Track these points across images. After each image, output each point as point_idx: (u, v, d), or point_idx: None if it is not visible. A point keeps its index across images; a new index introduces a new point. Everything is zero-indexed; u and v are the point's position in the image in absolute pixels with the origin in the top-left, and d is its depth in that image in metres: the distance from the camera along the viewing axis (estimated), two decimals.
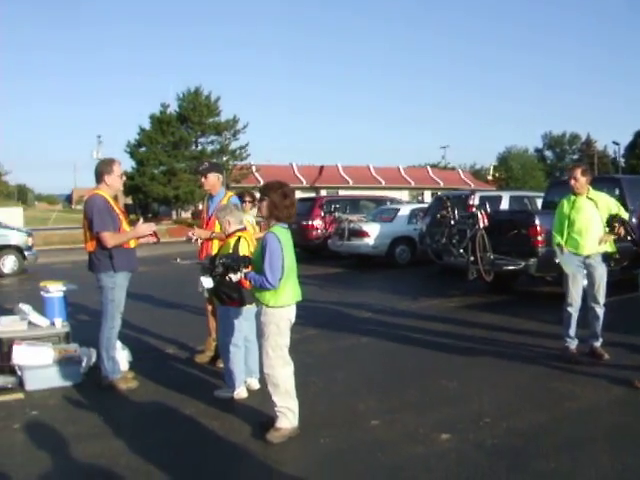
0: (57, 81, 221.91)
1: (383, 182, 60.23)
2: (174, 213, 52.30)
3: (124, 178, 6.64)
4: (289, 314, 5.00)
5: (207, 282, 5.51)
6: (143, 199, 52.30)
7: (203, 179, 7.27)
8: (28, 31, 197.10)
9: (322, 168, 60.94)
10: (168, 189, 47.21)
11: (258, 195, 5.66)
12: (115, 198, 6.59)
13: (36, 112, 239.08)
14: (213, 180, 7.23)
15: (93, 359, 7.07)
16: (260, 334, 5.11)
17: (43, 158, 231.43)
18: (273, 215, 4.94)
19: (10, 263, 18.03)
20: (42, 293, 7.47)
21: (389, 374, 6.95)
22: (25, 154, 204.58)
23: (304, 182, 55.83)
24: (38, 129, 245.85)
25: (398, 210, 18.78)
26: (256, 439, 5.02)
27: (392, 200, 23.57)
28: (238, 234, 6.00)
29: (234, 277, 4.99)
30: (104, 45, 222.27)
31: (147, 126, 49.92)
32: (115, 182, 6.46)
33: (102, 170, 6.42)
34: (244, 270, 4.95)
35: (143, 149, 49.78)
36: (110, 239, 6.15)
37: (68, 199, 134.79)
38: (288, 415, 5.01)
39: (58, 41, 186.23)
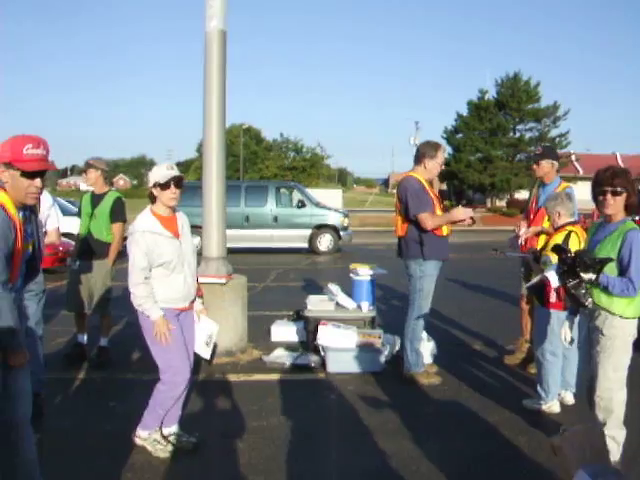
0: (373, 71, 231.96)
1: None
2: (489, 201, 51.41)
3: (443, 166, 6.23)
4: (635, 328, 4.11)
5: (554, 280, 4.57)
6: (458, 186, 52.28)
7: (535, 166, 6.53)
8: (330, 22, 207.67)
9: None
10: (484, 176, 46.63)
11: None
12: (430, 183, 6.20)
13: (354, 101, 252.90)
14: (546, 167, 6.44)
15: (396, 348, 6.84)
16: (598, 349, 4.23)
17: (363, 143, 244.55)
18: (631, 208, 4.05)
19: (326, 241, 18.91)
20: (351, 275, 7.40)
21: None
22: (346, 139, 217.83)
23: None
24: (359, 116, 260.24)
25: None
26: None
27: None
28: (568, 228, 5.25)
29: (586, 277, 4.07)
30: (421, 35, 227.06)
31: (464, 112, 49.67)
32: (434, 168, 6.08)
33: (424, 152, 6.08)
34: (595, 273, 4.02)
35: (460, 135, 49.72)
36: (429, 220, 5.78)
37: (385, 183, 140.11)
38: (611, 446, 4.19)
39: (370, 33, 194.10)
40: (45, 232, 5.33)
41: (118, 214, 6.50)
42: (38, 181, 3.11)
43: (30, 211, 3.35)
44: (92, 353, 6.66)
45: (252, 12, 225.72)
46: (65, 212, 15.19)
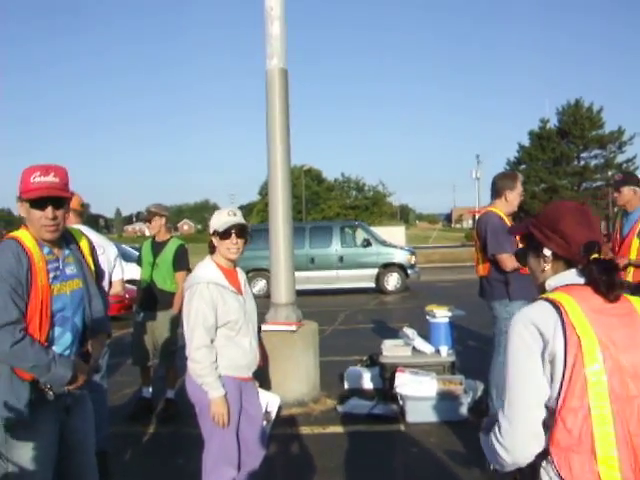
0: (432, 107, 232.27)
1: None
2: None
3: (522, 197, 5.84)
4: None
5: None
6: (524, 217, 51.20)
7: (616, 194, 6.09)
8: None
9: None
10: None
11: None
12: (512, 218, 5.80)
13: (414, 137, 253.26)
14: (628, 194, 6.00)
15: (478, 394, 6.39)
16: None
17: (424, 179, 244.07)
18: None
19: (394, 281, 18.53)
20: (428, 317, 7.00)
21: None
22: (407, 176, 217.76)
23: None
24: (420, 151, 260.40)
25: None
26: None
27: None
28: None
29: None
30: (478, 68, 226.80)
31: (526, 143, 48.94)
32: (515, 199, 5.69)
33: (503, 185, 5.68)
34: None
35: (523, 166, 48.96)
36: (509, 262, 5.37)
37: (447, 218, 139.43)
38: None
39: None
40: (110, 283, 5.16)
41: (182, 262, 6.27)
42: (49, 211, 2.80)
43: (73, 249, 3.08)
44: (159, 406, 6.43)
45: (311, 51, 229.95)
46: (131, 259, 15.27)
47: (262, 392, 4.05)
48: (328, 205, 64.88)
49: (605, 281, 1.92)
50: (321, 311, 13.38)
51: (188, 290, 3.59)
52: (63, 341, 2.91)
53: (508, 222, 5.62)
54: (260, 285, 18.20)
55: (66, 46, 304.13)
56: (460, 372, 6.64)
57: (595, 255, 1.99)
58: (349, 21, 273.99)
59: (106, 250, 5.08)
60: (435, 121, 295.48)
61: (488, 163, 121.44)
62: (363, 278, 18.63)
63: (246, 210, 72.41)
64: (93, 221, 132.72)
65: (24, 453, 2.78)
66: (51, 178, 2.82)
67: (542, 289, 2.10)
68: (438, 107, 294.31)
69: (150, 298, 6.20)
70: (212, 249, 3.72)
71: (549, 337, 1.87)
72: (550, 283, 2.06)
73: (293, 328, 6.52)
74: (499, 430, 1.94)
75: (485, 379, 5.94)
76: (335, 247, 18.98)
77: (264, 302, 7.26)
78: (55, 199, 2.83)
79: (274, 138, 6.82)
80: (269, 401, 4.09)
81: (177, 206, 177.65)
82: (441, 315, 6.84)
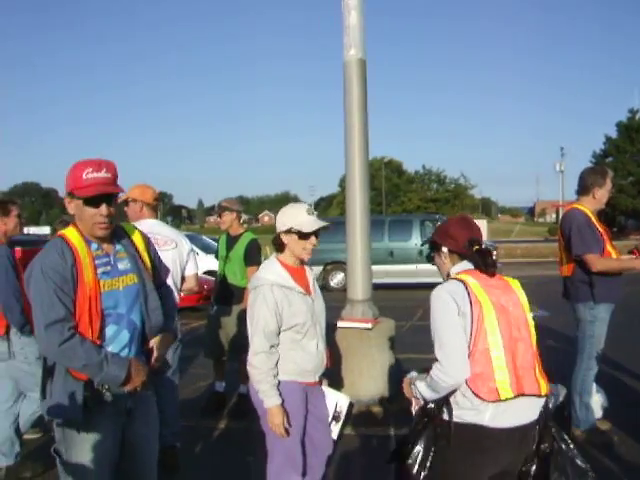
0: (515, 99, 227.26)
1: None
2: None
3: (611, 193, 5.50)
4: None
5: None
6: (610, 212, 49.63)
7: None
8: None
9: None
10: (637, 201, 43.98)
11: None
12: (598, 216, 5.46)
13: (500, 129, 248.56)
14: None
15: (560, 398, 6.05)
16: None
17: (506, 172, 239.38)
18: None
19: None
20: None
21: None
22: (490, 168, 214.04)
23: None
24: (502, 143, 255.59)
25: None
26: None
27: None
28: None
29: None
30: (564, 59, 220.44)
31: (613, 134, 47.28)
32: (604, 197, 5.34)
33: (592, 181, 5.33)
34: None
35: (609, 159, 47.31)
36: (596, 263, 5.05)
37: (530, 212, 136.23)
38: None
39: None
40: (183, 278, 5.13)
41: (253, 257, 6.17)
42: (103, 208, 2.73)
43: (126, 244, 2.97)
44: (232, 401, 6.39)
45: (390, 40, 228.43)
46: (210, 250, 15.42)
47: (331, 392, 3.84)
48: (408, 198, 64.43)
49: (484, 262, 2.91)
50: (399, 306, 13.16)
51: (252, 291, 3.44)
52: (119, 339, 2.81)
53: (595, 220, 5.30)
54: (338, 278, 18.13)
55: (151, 43, 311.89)
56: None
57: (477, 247, 2.94)
58: (429, 8, 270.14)
59: (178, 245, 5.04)
60: (518, 112, 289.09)
61: (573, 155, 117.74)
62: None
63: (326, 202, 72.63)
64: (176, 212, 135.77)
65: (81, 453, 2.73)
66: (104, 174, 2.74)
67: (448, 276, 3.04)
68: (521, 98, 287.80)
69: (224, 292, 6.16)
70: (280, 247, 3.52)
71: (460, 303, 2.76)
72: (453, 270, 3.02)
73: (369, 326, 6.35)
74: (439, 365, 2.75)
75: (568, 384, 5.64)
76: (415, 241, 18.66)
77: (342, 295, 7.14)
78: (108, 196, 2.76)
79: (352, 130, 6.66)
80: (338, 401, 3.88)
81: (258, 197, 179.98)
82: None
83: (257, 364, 3.33)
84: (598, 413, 5.66)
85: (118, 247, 2.91)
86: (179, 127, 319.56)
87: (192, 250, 5.30)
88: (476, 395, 2.70)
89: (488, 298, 2.78)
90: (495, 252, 18.58)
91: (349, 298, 6.64)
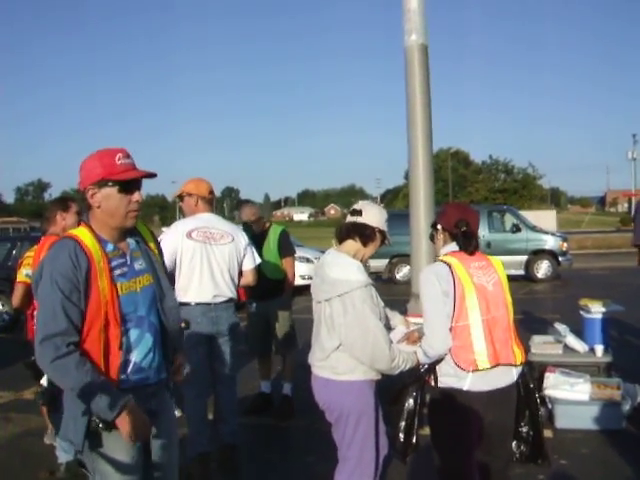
0: (584, 85, 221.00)
1: None
2: None
3: None
4: None
5: None
6: None
7: None
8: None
9: None
10: None
11: None
12: None
13: (568, 117, 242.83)
14: None
15: (638, 400, 5.75)
16: None
17: (576, 161, 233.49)
18: None
19: (544, 268, 17.61)
20: (581, 312, 6.40)
21: None
22: (558, 157, 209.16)
23: None
24: (571, 132, 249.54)
25: None
26: None
27: None
28: None
29: None
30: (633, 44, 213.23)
31: None
32: None
33: None
34: None
35: None
36: None
37: (601, 201, 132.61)
38: None
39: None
40: (240, 272, 5.01)
41: (287, 248, 6.16)
42: (137, 194, 2.59)
43: (139, 240, 2.77)
44: (277, 403, 6.25)
45: (455, 27, 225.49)
46: None
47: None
48: (475, 188, 63.34)
49: (465, 243, 3.25)
50: None
51: (348, 295, 3.17)
52: (144, 343, 2.62)
53: None
54: (404, 271, 17.81)
55: (222, 34, 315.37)
56: (617, 375, 6.01)
57: (464, 229, 3.25)
58: None
59: (235, 239, 4.91)
60: (587, 99, 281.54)
61: None
62: (512, 265, 17.70)
63: (392, 194, 72.11)
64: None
65: (108, 462, 2.56)
66: (132, 160, 2.62)
67: (438, 256, 3.38)
68: (591, 83, 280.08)
69: (260, 289, 5.80)
70: (367, 240, 3.39)
71: (444, 283, 3.12)
72: (442, 251, 3.36)
73: None
74: (425, 337, 3.18)
75: None
76: (482, 232, 18.18)
77: (408, 289, 6.94)
78: (138, 183, 2.64)
79: (414, 119, 6.46)
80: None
81: (324, 190, 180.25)
82: (596, 310, 6.23)
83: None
84: None
85: (133, 245, 2.73)
86: (246, 121, 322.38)
87: (250, 244, 5.16)
88: (457, 365, 3.11)
89: (470, 279, 3.14)
90: (565, 244, 18.04)
91: (413, 292, 6.45)
